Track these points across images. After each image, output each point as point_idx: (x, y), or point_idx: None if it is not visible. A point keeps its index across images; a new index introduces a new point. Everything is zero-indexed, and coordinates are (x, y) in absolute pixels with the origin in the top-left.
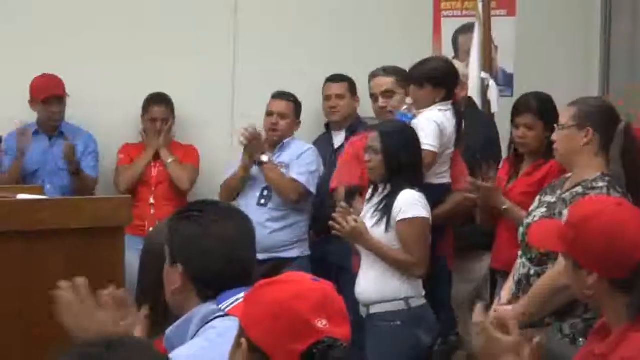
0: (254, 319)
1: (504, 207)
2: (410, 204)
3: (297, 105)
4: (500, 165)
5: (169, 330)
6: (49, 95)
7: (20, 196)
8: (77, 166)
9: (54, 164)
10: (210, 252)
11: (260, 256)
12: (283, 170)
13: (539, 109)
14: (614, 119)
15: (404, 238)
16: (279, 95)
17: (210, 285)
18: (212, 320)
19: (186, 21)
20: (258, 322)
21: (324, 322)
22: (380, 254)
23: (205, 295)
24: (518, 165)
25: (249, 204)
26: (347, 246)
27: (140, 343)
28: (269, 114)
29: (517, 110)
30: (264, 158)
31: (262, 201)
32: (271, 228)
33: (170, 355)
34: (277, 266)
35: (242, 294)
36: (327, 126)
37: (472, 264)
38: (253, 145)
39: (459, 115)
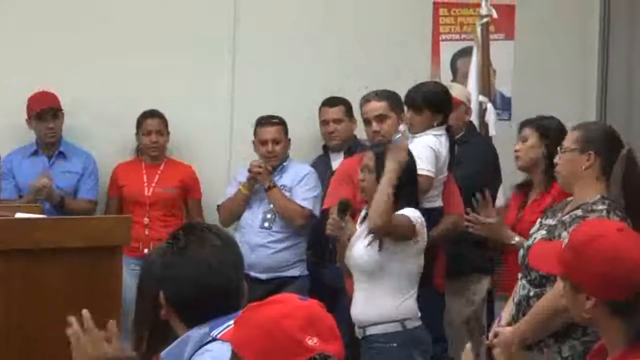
0: (244, 342)
1: (512, 242)
2: (412, 213)
3: (284, 124)
4: (510, 195)
5: (164, 353)
6: (42, 108)
7: (19, 215)
8: (58, 200)
9: (55, 184)
10: (182, 278)
11: (263, 276)
12: (286, 194)
13: (537, 123)
14: (617, 144)
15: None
16: (266, 122)
17: (189, 311)
18: (206, 343)
19: (184, 39)
20: (249, 344)
21: (315, 339)
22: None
23: (186, 321)
24: (526, 193)
25: (251, 226)
26: (342, 269)
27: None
28: (263, 143)
29: (521, 124)
30: (272, 183)
31: (266, 224)
32: (274, 249)
33: None
34: (279, 285)
35: (232, 320)
36: (325, 148)
37: (470, 286)
38: (264, 174)
39: (452, 139)
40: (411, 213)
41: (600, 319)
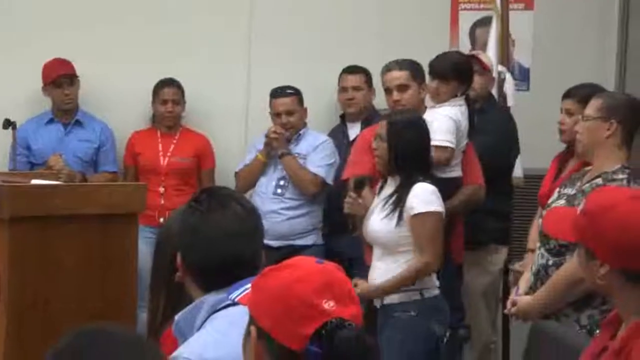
0: (260, 306)
1: None
2: (425, 198)
3: (298, 94)
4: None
5: (178, 316)
6: (58, 75)
7: (35, 182)
8: (80, 179)
9: (71, 152)
10: (200, 243)
11: (275, 243)
12: (300, 161)
13: (583, 95)
14: (639, 114)
15: (418, 234)
16: (280, 93)
17: (204, 276)
18: (221, 308)
19: (201, 8)
20: (265, 309)
21: (331, 303)
22: (396, 287)
23: (203, 286)
24: (564, 163)
25: (265, 194)
26: (359, 239)
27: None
28: (277, 114)
29: (564, 95)
30: (286, 150)
31: (279, 191)
32: (286, 215)
33: (183, 347)
34: (291, 254)
35: (250, 284)
36: (342, 118)
37: (489, 256)
38: (280, 140)
39: (471, 109)
40: (425, 193)
41: (614, 286)
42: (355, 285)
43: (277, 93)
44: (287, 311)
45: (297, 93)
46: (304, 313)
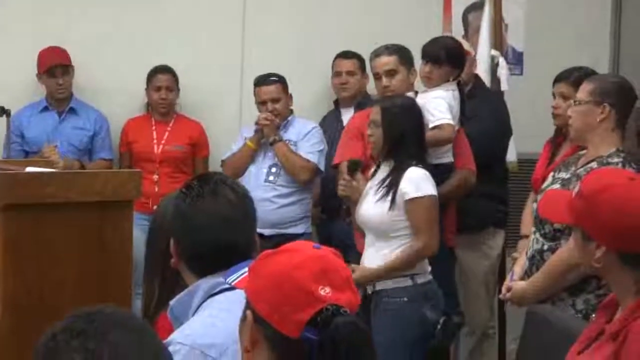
0: (257, 291)
1: None
2: (418, 182)
3: (283, 81)
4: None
5: (173, 301)
6: (52, 64)
7: (29, 169)
8: (77, 167)
9: (65, 140)
10: (193, 229)
11: (266, 232)
12: (292, 148)
13: (577, 78)
14: (631, 96)
15: (414, 217)
16: (264, 81)
17: (198, 262)
18: (217, 293)
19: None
20: (261, 294)
21: (327, 289)
22: (395, 270)
23: (197, 272)
24: (558, 146)
25: (256, 181)
26: (351, 226)
27: (120, 312)
28: (262, 102)
29: (556, 79)
30: (277, 137)
31: (271, 178)
32: (278, 204)
33: (178, 333)
34: (283, 242)
35: (247, 268)
36: (336, 103)
37: (487, 240)
38: (271, 127)
39: (462, 94)
40: (418, 177)
41: (610, 269)
42: (353, 271)
43: (262, 81)
44: (283, 298)
45: (281, 80)
46: (300, 300)
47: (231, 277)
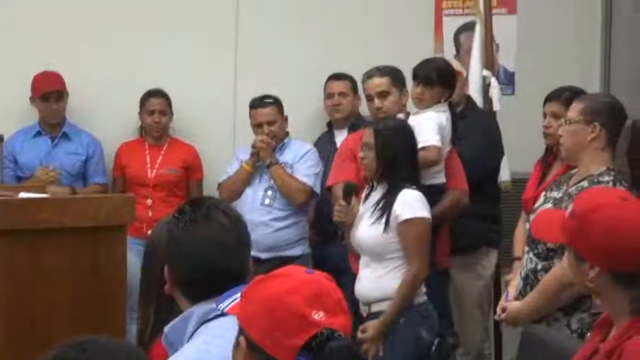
0: (249, 317)
1: None
2: (412, 203)
3: (278, 103)
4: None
5: (167, 328)
6: (47, 90)
7: (23, 195)
8: (70, 193)
9: (58, 165)
10: (186, 255)
11: (264, 255)
12: (288, 171)
13: (568, 98)
14: (621, 115)
15: (405, 240)
16: (260, 104)
17: (192, 288)
18: (211, 319)
19: (186, 18)
20: (254, 319)
21: (321, 314)
22: (400, 308)
23: (191, 298)
24: (548, 167)
25: (252, 204)
26: (346, 248)
27: (113, 343)
28: (258, 125)
29: (547, 98)
30: (274, 159)
31: (267, 201)
32: (275, 227)
33: (174, 359)
34: (280, 265)
35: (239, 294)
36: (329, 125)
37: (479, 260)
38: (267, 149)
39: (454, 115)
40: (412, 199)
41: (604, 289)
42: (366, 331)
43: (257, 103)
44: (277, 323)
45: (277, 102)
46: (294, 325)
47: (223, 303)
